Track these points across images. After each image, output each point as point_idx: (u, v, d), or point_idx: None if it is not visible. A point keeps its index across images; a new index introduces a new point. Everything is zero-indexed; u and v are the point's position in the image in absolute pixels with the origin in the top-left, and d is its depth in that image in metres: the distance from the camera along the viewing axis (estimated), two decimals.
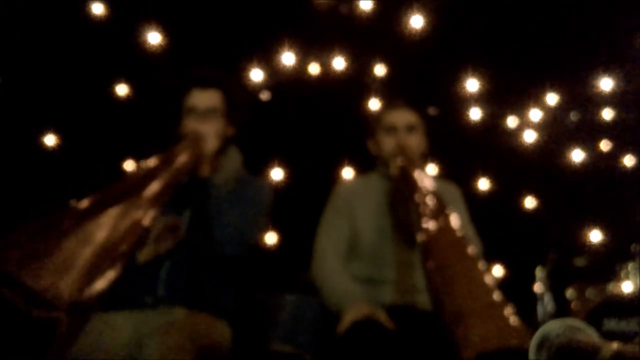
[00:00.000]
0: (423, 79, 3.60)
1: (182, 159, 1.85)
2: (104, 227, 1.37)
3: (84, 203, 1.43)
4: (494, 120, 3.81)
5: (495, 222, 3.02)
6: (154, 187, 1.61)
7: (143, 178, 1.65)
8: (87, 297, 1.22)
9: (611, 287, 3.12)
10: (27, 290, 1.11)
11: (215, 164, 2.07)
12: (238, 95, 2.20)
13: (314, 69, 3.69)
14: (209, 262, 2.00)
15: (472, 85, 3.74)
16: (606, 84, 3.83)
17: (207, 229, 1.95)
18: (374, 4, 3.68)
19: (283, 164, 3.59)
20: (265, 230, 2.17)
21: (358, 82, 3.71)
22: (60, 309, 1.12)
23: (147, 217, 1.51)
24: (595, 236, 3.70)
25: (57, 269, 1.19)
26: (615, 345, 0.99)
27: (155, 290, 1.95)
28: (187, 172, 1.90)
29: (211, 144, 2.02)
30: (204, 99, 2.09)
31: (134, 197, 1.51)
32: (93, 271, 1.26)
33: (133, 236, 1.44)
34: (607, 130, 3.87)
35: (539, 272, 3.21)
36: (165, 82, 2.19)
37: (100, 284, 1.28)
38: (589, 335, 1.07)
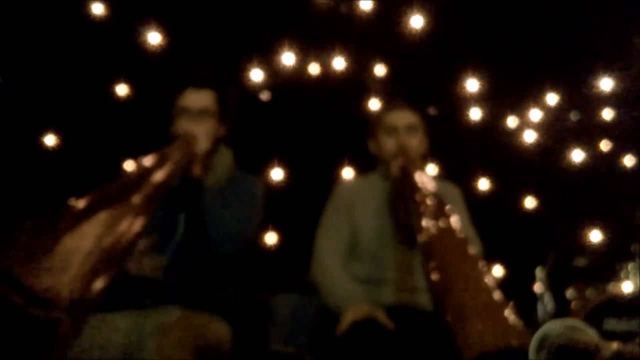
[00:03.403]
0: (423, 79, 3.60)
1: (174, 160, 1.84)
2: (99, 228, 1.36)
3: (81, 202, 1.43)
4: (494, 120, 3.82)
5: (495, 222, 3.02)
6: (145, 190, 1.59)
7: (135, 180, 1.63)
8: (86, 297, 1.22)
9: (611, 287, 3.13)
10: (27, 290, 1.11)
11: (207, 164, 2.07)
12: (231, 95, 2.20)
13: (314, 69, 3.70)
14: (206, 262, 2.00)
15: (472, 85, 3.75)
16: (606, 84, 3.83)
17: (203, 230, 1.95)
18: (374, 4, 3.68)
19: (283, 164, 3.59)
20: (261, 226, 2.16)
21: (358, 82, 3.71)
22: (62, 309, 1.12)
23: (137, 222, 1.50)
24: (595, 236, 3.70)
25: (56, 269, 1.19)
26: (615, 345, 1.00)
27: (154, 291, 1.96)
28: (179, 174, 1.89)
29: (203, 144, 2.01)
30: (198, 99, 2.08)
31: (125, 200, 1.50)
32: (90, 271, 1.26)
33: (125, 240, 1.42)
34: (607, 130, 3.87)
35: (539, 272, 3.22)
36: (162, 82, 2.18)
37: (98, 284, 1.27)
38: (589, 335, 1.07)
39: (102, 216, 1.39)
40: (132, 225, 1.44)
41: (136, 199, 1.51)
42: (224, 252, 1.98)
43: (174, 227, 2.02)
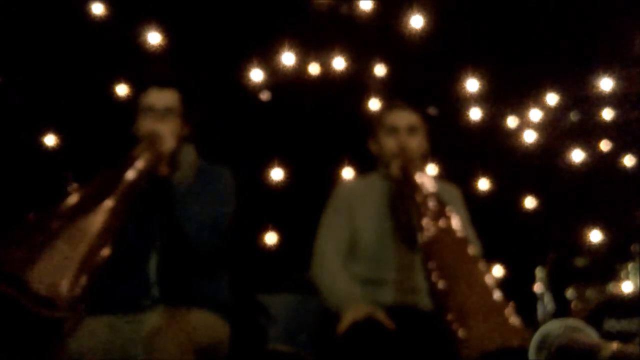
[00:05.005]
0: (423, 79, 3.60)
1: (144, 159, 1.83)
2: (85, 228, 1.37)
3: (71, 200, 1.43)
4: (494, 120, 3.81)
5: (495, 222, 3.02)
6: (119, 191, 1.59)
7: (109, 182, 1.63)
8: (84, 296, 1.23)
9: (611, 287, 3.12)
10: (30, 290, 1.11)
11: (173, 164, 2.04)
12: (195, 94, 2.18)
13: (314, 69, 3.69)
14: (190, 259, 2.00)
15: (472, 85, 3.74)
16: (606, 84, 3.83)
17: (178, 227, 1.94)
18: (374, 4, 3.67)
19: (283, 164, 3.59)
20: (236, 215, 2.14)
21: (358, 82, 3.71)
22: (64, 308, 1.12)
23: (114, 223, 1.50)
24: (595, 236, 3.70)
25: (55, 269, 1.19)
26: (615, 345, 0.99)
27: (149, 291, 1.95)
28: (147, 175, 1.87)
29: (169, 143, 1.98)
30: (162, 98, 2.05)
31: (101, 202, 1.50)
32: (86, 270, 1.26)
33: (104, 241, 1.43)
34: (607, 130, 3.87)
35: (539, 272, 3.21)
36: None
37: (89, 283, 1.28)
38: (589, 335, 1.07)
39: (86, 217, 1.39)
40: (110, 225, 1.45)
41: (111, 200, 1.51)
42: (201, 246, 1.97)
43: (153, 232, 2.02)
